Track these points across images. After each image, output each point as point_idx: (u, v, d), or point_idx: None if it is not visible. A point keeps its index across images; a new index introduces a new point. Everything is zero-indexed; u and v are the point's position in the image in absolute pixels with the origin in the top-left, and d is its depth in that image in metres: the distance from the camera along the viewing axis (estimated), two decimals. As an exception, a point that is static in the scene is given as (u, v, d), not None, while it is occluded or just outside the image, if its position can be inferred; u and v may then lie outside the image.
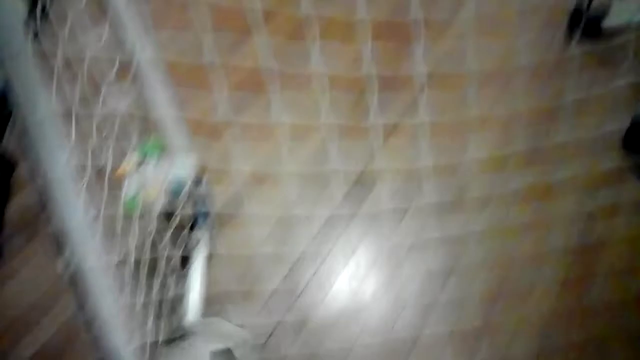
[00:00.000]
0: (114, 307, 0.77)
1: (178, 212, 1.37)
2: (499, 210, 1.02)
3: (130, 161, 1.39)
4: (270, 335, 1.35)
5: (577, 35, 1.91)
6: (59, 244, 0.75)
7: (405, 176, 0.95)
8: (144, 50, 1.29)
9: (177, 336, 1.31)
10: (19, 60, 0.64)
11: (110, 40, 1.05)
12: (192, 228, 1.47)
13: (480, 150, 1.39)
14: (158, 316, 1.12)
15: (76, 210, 0.72)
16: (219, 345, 1.25)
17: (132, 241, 1.14)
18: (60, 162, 0.70)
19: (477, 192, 1.03)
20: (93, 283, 0.74)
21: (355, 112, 1.73)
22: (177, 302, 1.29)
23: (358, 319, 1.39)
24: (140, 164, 1.39)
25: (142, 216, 1.30)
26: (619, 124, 1.55)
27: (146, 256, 1.17)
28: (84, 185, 0.81)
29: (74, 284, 0.75)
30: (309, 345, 1.31)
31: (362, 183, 1.66)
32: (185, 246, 1.47)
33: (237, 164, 1.09)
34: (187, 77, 1.64)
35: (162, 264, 1.21)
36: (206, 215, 1.47)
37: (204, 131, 1.22)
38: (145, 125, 1.36)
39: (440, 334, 1.26)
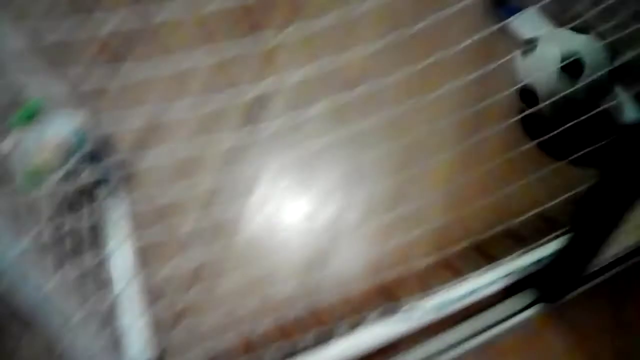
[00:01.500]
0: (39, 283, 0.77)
1: (78, 168, 1.33)
2: (392, 105, 1.07)
3: (10, 139, 1.32)
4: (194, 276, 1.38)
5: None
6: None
7: (297, 90, 0.97)
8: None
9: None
10: None
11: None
12: (97, 188, 1.44)
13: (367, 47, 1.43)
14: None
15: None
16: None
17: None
18: None
19: (367, 87, 1.08)
20: None
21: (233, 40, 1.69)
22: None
23: (282, 226, 1.44)
24: (22, 132, 1.32)
25: (40, 183, 1.25)
26: None
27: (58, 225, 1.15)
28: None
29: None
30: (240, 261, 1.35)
31: (256, 107, 1.66)
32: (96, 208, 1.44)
33: (125, 123, 1.07)
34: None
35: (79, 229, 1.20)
36: (107, 172, 1.44)
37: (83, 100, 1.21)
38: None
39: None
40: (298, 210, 1.47)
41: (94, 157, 1.39)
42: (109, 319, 1.15)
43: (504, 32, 1.58)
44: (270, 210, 1.47)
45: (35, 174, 1.25)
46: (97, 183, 1.44)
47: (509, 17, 1.60)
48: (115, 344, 1.11)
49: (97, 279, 1.19)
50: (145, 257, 1.37)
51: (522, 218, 1.24)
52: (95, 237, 1.28)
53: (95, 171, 1.39)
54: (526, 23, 1.62)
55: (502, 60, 1.17)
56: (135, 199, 1.45)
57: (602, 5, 1.18)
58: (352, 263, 1.34)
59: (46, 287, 0.82)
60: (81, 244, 1.19)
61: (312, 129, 1.30)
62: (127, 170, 1.45)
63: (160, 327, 1.25)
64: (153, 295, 1.27)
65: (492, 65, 1.12)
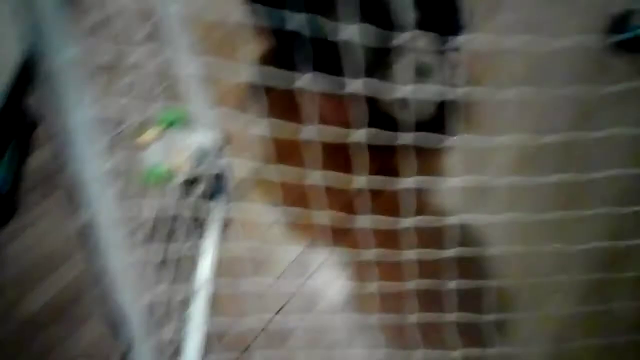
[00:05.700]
0: (123, 262, 0.75)
1: (199, 180, 1.35)
2: (524, 211, 0.99)
3: (154, 130, 1.38)
4: (280, 310, 1.33)
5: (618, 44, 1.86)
6: (72, 195, 0.73)
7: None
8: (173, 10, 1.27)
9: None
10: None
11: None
12: (210, 196, 1.46)
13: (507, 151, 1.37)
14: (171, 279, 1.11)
15: (92, 161, 0.70)
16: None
17: (150, 206, 1.13)
18: (81, 109, 0.68)
19: (502, 190, 1.01)
20: (104, 236, 0.73)
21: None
22: (190, 267, 1.28)
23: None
24: (163, 133, 1.37)
25: (163, 183, 1.28)
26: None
27: (163, 221, 1.17)
28: (103, 140, 0.79)
29: (86, 237, 0.74)
30: (318, 322, 1.28)
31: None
32: (203, 213, 1.45)
33: (259, 138, 1.08)
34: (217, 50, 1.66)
35: (179, 229, 1.21)
36: (224, 184, 1.45)
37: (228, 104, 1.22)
38: (170, 94, 1.34)
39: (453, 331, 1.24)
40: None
41: (217, 179, 1.40)
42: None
43: None
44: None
45: (163, 174, 1.28)
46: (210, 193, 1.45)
47: None
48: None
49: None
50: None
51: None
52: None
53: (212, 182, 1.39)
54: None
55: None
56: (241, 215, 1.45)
57: None
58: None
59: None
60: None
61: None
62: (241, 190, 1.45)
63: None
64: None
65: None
